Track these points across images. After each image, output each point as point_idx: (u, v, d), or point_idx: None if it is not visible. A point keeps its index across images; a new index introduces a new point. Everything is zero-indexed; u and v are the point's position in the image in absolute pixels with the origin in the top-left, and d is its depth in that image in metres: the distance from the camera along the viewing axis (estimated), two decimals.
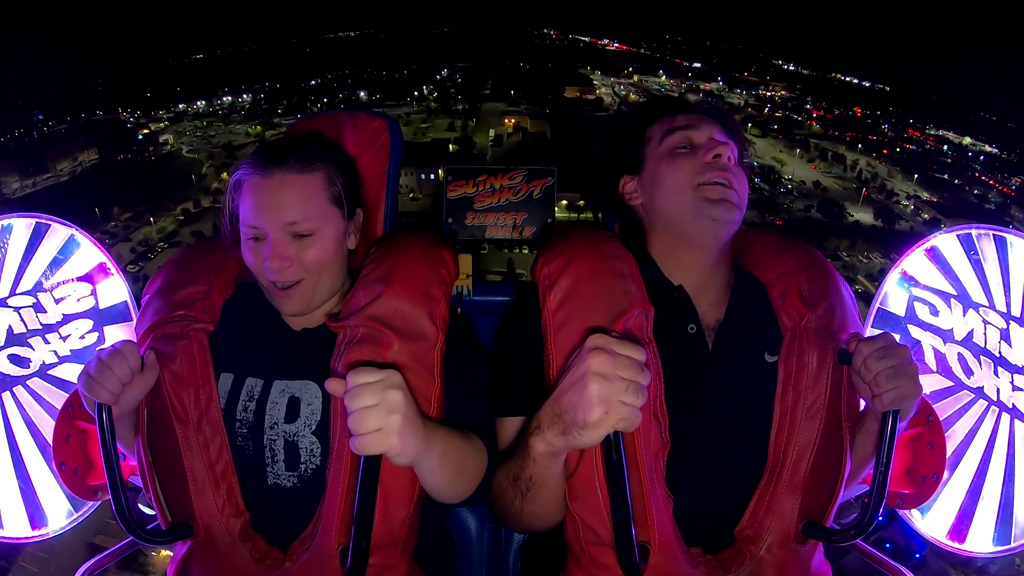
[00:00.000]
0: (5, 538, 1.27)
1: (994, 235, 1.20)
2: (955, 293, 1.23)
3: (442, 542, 1.22)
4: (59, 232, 1.32)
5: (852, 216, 48.15)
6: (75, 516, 1.30)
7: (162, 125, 63.40)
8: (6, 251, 1.29)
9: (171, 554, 1.06)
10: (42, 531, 1.28)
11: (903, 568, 1.14)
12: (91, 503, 1.26)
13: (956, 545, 1.21)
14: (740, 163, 1.07)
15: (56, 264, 1.31)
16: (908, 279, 1.29)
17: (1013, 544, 1.17)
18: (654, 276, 1.05)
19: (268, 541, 0.99)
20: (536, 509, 0.92)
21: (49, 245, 1.31)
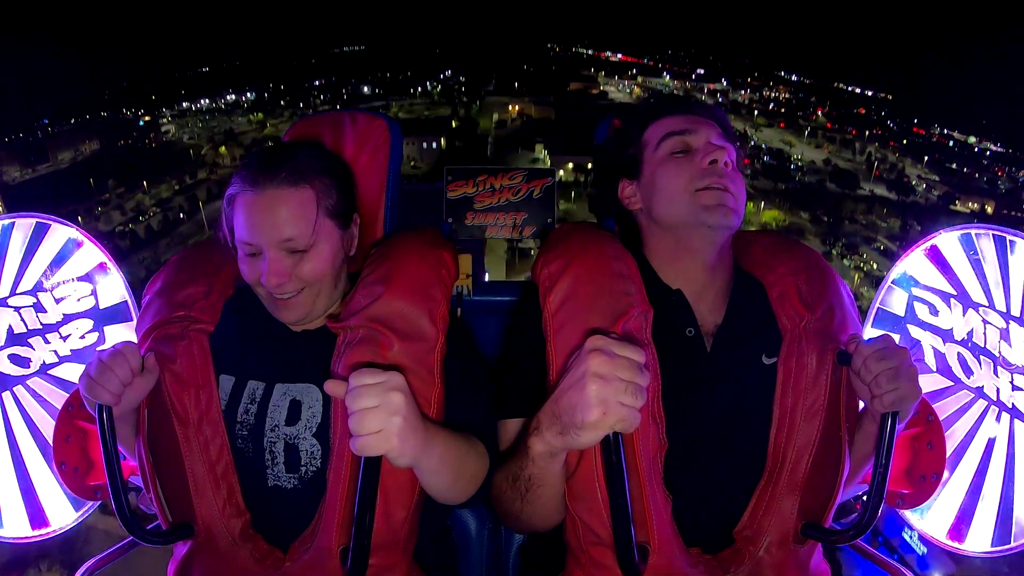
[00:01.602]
0: (5, 538, 1.27)
1: (994, 235, 1.20)
2: (955, 293, 1.23)
3: (442, 542, 1.22)
4: (59, 232, 1.32)
5: (865, 189, 48.14)
6: (75, 516, 1.30)
7: (165, 121, 63.71)
8: (6, 251, 1.29)
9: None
10: (42, 531, 1.28)
11: (903, 568, 1.14)
12: (91, 503, 1.26)
13: (956, 545, 1.21)
14: (737, 166, 1.07)
15: (56, 264, 1.31)
16: (908, 279, 1.29)
17: (1013, 544, 1.17)
18: (652, 280, 1.05)
19: (268, 541, 0.99)
20: (535, 510, 0.92)
21: (49, 245, 1.31)
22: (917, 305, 1.28)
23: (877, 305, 1.34)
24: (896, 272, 1.31)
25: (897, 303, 1.31)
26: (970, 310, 1.21)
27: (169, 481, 0.99)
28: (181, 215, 41.89)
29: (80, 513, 1.30)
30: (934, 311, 1.25)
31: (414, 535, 1.00)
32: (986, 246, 1.20)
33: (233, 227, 1.00)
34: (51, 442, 1.17)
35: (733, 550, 0.96)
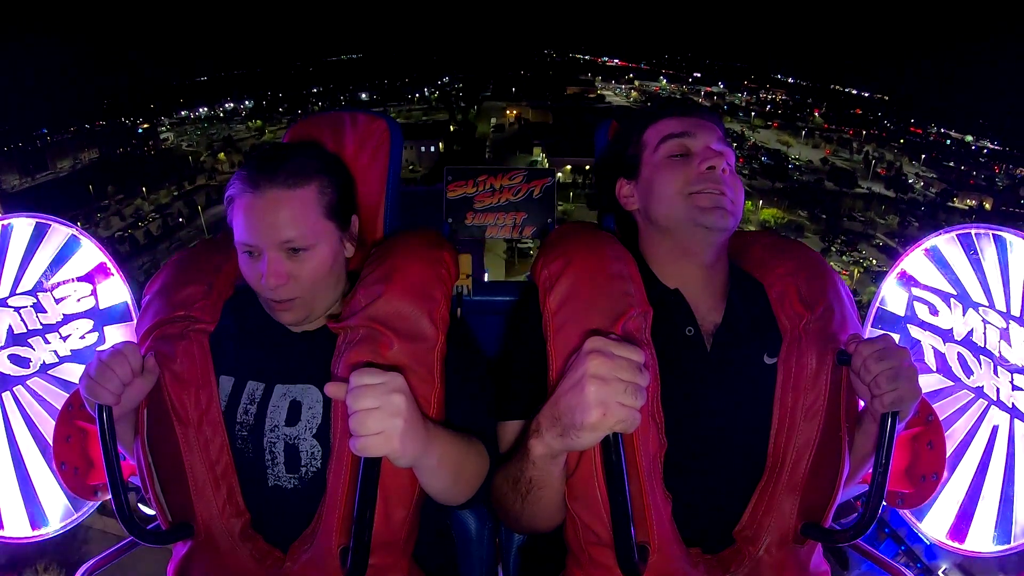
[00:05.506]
0: (5, 538, 1.27)
1: (994, 235, 1.20)
2: (955, 293, 1.23)
3: (442, 542, 1.22)
4: (59, 232, 1.32)
5: (864, 187, 48.63)
6: (75, 516, 1.30)
7: (164, 129, 64.18)
8: (6, 251, 1.29)
9: None
10: (42, 531, 1.28)
11: (903, 568, 1.14)
12: (91, 503, 1.26)
13: (956, 545, 1.21)
14: (735, 172, 1.07)
15: (56, 264, 1.32)
16: (907, 279, 1.29)
17: (1013, 544, 1.17)
18: (651, 280, 1.05)
19: (269, 541, 0.99)
20: (536, 511, 0.92)
21: (49, 245, 1.31)
22: (917, 305, 1.28)
23: (877, 305, 1.34)
24: (895, 272, 1.31)
25: (897, 303, 1.31)
26: (970, 310, 1.21)
27: (169, 481, 0.99)
28: (180, 219, 42.34)
29: (80, 513, 1.30)
30: (934, 311, 1.25)
31: (414, 535, 1.00)
32: (986, 246, 1.20)
33: (233, 227, 1.00)
34: (51, 442, 1.17)
35: (733, 550, 0.96)
